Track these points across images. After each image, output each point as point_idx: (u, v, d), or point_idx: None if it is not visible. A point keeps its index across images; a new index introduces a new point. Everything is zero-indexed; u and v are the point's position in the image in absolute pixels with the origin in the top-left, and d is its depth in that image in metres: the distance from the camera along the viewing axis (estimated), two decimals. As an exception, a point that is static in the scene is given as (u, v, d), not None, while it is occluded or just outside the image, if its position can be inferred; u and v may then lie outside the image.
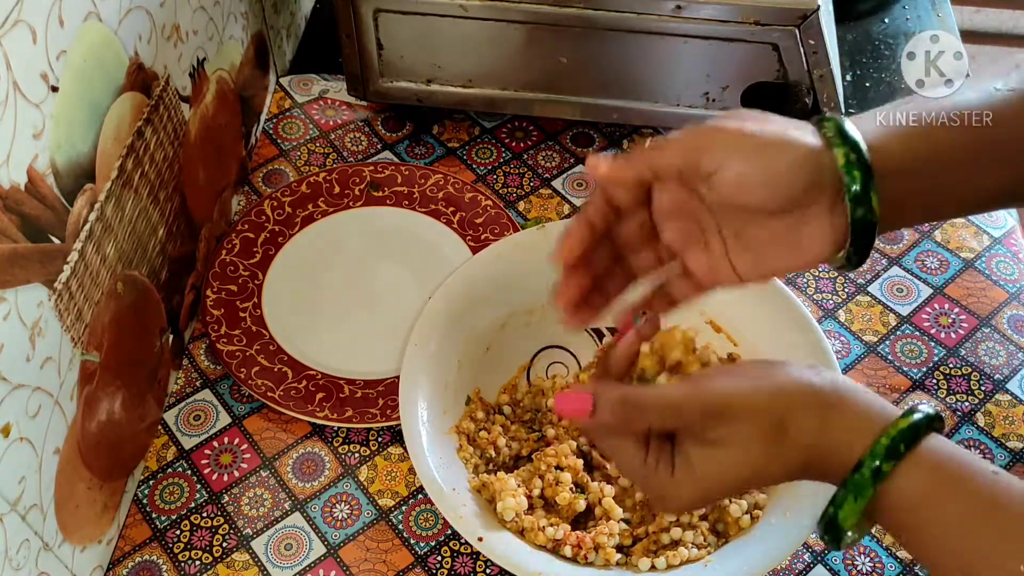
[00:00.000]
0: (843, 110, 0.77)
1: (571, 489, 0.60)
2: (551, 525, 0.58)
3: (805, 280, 0.77)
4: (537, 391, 0.68)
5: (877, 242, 0.81)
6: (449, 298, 0.66)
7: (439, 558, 0.63)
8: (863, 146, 0.44)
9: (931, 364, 0.72)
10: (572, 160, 0.85)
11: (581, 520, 0.61)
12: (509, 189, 0.83)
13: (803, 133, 0.45)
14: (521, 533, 0.58)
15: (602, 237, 0.49)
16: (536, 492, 0.61)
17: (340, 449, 0.67)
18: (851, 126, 0.45)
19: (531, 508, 0.60)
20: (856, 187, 0.44)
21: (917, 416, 0.42)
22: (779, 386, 0.45)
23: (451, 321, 0.65)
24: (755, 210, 0.45)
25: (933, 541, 0.42)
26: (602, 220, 0.48)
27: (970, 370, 0.71)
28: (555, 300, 0.49)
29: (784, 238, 0.46)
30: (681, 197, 0.47)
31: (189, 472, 0.66)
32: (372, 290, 0.76)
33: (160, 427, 0.68)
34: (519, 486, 0.60)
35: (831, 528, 0.44)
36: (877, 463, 0.42)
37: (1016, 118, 0.47)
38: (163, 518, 0.64)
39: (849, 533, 0.44)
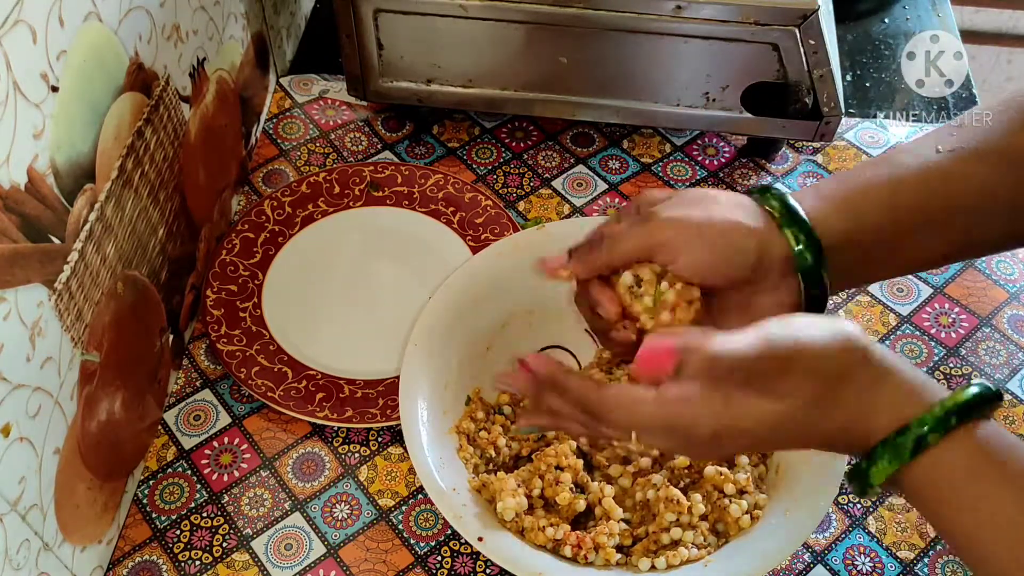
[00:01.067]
0: (843, 110, 0.77)
1: (571, 489, 0.60)
2: (551, 525, 0.58)
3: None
4: None
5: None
6: (449, 298, 0.66)
7: (439, 558, 0.63)
8: (809, 225, 0.47)
9: (932, 364, 0.72)
10: (572, 160, 0.85)
11: (581, 520, 0.61)
12: (509, 189, 0.83)
13: (747, 215, 0.48)
14: (521, 533, 0.58)
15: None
16: (536, 492, 0.60)
17: (340, 449, 0.67)
18: (795, 203, 0.48)
19: (531, 508, 0.60)
20: (807, 265, 0.47)
21: (972, 391, 0.41)
22: (846, 338, 0.43)
23: (451, 321, 0.65)
24: (709, 286, 0.49)
25: (960, 519, 0.41)
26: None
27: (971, 370, 0.71)
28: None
29: (736, 307, 0.49)
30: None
31: (189, 472, 0.66)
32: (372, 290, 0.76)
33: (160, 427, 0.68)
34: (519, 486, 0.60)
35: (857, 478, 0.43)
36: (925, 429, 0.41)
37: (947, 184, 0.49)
38: (163, 518, 0.64)
39: (875, 487, 0.43)
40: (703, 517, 0.59)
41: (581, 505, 0.60)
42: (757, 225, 0.47)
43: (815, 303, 0.49)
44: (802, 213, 0.48)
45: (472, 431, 0.64)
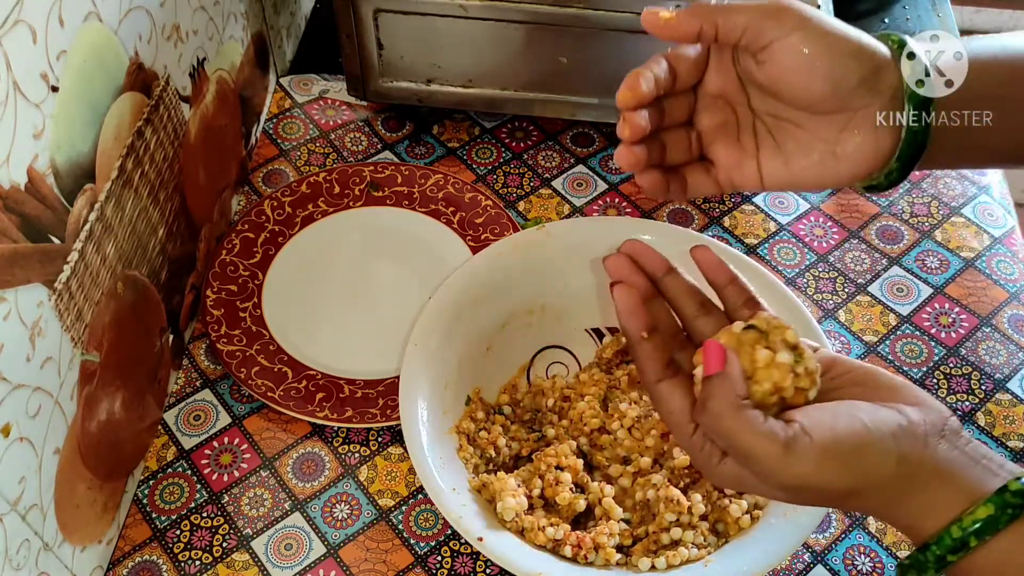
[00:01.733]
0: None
1: (571, 489, 0.60)
2: (551, 525, 0.58)
3: (805, 280, 0.77)
4: (537, 391, 0.68)
5: (877, 241, 0.81)
6: (449, 298, 0.66)
7: (439, 558, 0.63)
8: (926, 64, 0.44)
9: (931, 364, 0.72)
10: (572, 160, 0.85)
11: (581, 520, 0.61)
12: (509, 189, 0.83)
13: (870, 38, 0.45)
14: (521, 533, 0.58)
15: (658, 101, 0.46)
16: (536, 492, 0.60)
17: (340, 449, 0.67)
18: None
19: (531, 508, 0.60)
20: (919, 98, 0.44)
21: (999, 502, 0.40)
22: (862, 470, 0.41)
23: (451, 321, 0.65)
24: (802, 102, 0.45)
25: None
26: (664, 80, 0.46)
27: (970, 369, 0.71)
28: (622, 130, 0.45)
29: (822, 143, 0.46)
30: (730, 82, 0.47)
31: (189, 472, 0.66)
32: (372, 290, 0.76)
33: (160, 427, 0.68)
34: (519, 486, 0.60)
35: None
36: (940, 553, 0.40)
37: None
38: (163, 518, 0.64)
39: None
40: (703, 517, 0.59)
41: (581, 505, 0.60)
42: (879, 47, 0.45)
43: (913, 151, 0.45)
44: (922, 54, 0.45)
45: (472, 431, 0.64)
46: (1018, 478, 0.40)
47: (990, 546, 0.39)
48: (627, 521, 0.61)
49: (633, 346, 0.46)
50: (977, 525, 0.39)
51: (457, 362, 0.65)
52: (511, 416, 0.67)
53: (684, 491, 0.60)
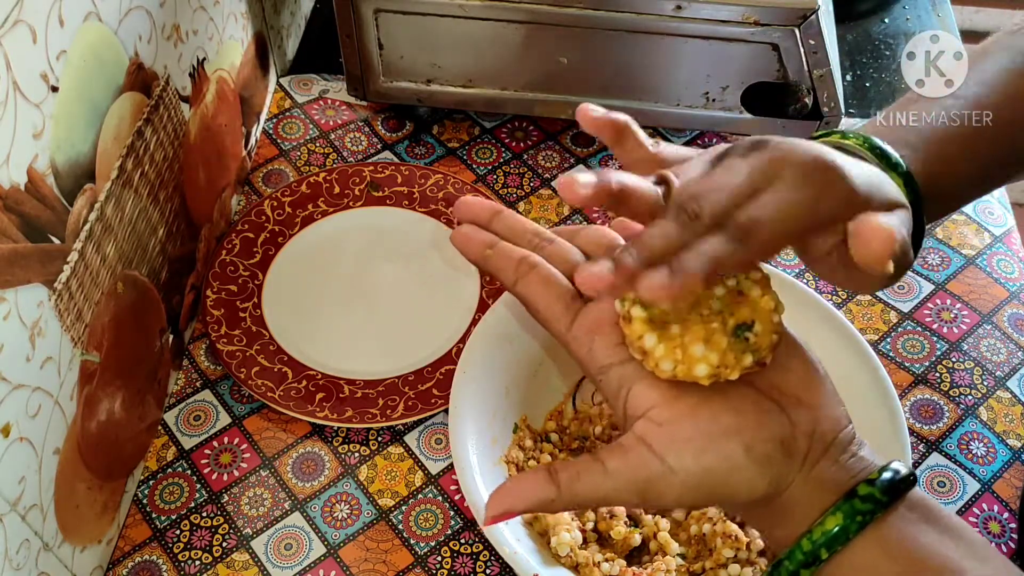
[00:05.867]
0: (843, 110, 0.77)
1: (625, 523, 0.59)
2: (606, 560, 0.56)
3: (804, 281, 0.77)
4: (584, 417, 0.65)
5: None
6: (494, 323, 0.63)
7: (439, 558, 0.62)
8: (910, 173, 0.44)
9: (934, 358, 0.72)
10: (572, 160, 0.85)
11: (635, 555, 0.59)
12: (509, 189, 0.83)
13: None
14: (576, 568, 0.56)
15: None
16: (589, 526, 0.58)
17: (340, 449, 0.67)
18: (894, 153, 0.44)
19: (585, 543, 0.58)
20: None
21: (848, 510, 0.38)
22: (728, 493, 0.39)
23: (497, 347, 0.62)
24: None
25: None
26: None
27: (973, 364, 0.71)
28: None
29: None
30: None
31: (189, 472, 0.66)
32: (372, 290, 0.76)
33: (160, 427, 0.68)
34: (573, 519, 0.58)
35: None
36: (793, 568, 0.39)
37: (1010, 101, 0.48)
38: (163, 518, 0.64)
39: None
40: (762, 553, 0.57)
41: (636, 539, 0.58)
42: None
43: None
44: (904, 165, 0.44)
45: (521, 460, 0.61)
46: (870, 480, 0.38)
47: (845, 557, 0.38)
48: (683, 556, 0.59)
49: (482, 263, 0.44)
50: (826, 537, 0.38)
51: (505, 389, 0.62)
52: (558, 444, 0.64)
53: (742, 525, 0.58)
